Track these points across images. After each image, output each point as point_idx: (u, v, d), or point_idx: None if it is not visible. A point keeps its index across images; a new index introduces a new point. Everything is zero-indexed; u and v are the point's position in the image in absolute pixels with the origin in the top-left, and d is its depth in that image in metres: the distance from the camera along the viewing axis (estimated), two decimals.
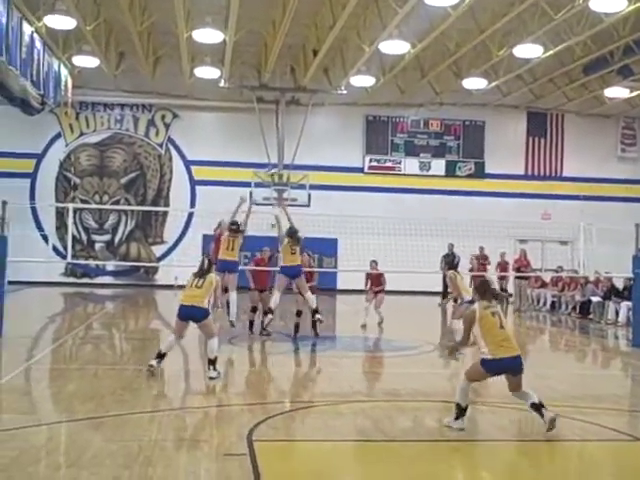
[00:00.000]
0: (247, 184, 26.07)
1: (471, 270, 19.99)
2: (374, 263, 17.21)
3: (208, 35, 20.62)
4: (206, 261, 10.13)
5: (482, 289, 7.80)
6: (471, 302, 11.33)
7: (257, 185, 26.10)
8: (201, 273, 10.00)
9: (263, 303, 14.48)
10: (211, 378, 9.71)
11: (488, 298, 7.67)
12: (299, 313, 14.37)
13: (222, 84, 25.99)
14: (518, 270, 22.51)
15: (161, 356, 9.98)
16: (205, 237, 24.99)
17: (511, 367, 7.48)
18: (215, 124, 28.44)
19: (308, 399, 8.43)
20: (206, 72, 24.91)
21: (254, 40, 23.63)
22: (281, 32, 20.48)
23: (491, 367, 7.45)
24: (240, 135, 27.54)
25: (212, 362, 9.79)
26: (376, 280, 17.12)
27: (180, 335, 10.12)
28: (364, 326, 16.39)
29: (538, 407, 7.51)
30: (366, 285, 17.39)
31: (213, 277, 10.06)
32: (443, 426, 7.58)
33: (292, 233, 13.75)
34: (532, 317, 21.68)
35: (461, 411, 7.55)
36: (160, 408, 8.29)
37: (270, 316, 13.56)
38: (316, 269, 15.98)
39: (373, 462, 6.71)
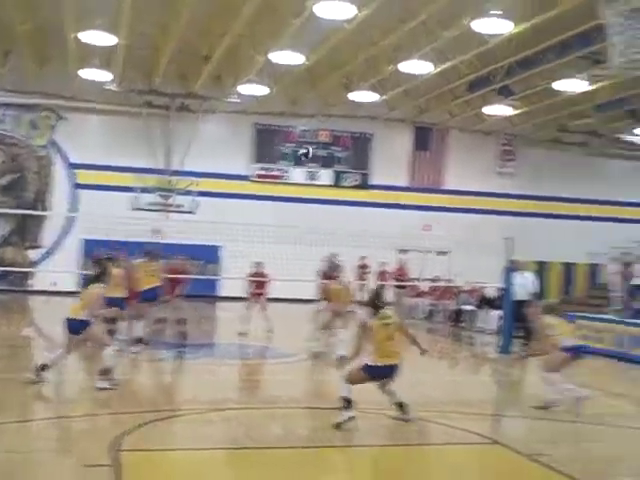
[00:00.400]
0: (132, 189, 25.73)
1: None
2: (258, 265, 16.96)
3: (98, 37, 20.16)
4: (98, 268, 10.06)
5: (372, 302, 8.39)
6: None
7: (142, 190, 25.71)
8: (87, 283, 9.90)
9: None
10: (99, 389, 9.38)
11: (379, 308, 8.29)
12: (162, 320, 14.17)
13: (111, 87, 25.48)
14: (397, 280, 23.11)
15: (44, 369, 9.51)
16: (87, 242, 24.48)
17: (389, 374, 8.21)
18: (102, 127, 27.77)
19: (179, 407, 8.42)
20: (94, 74, 24.33)
21: (145, 44, 23.28)
22: (173, 37, 20.31)
23: (372, 372, 8.09)
24: (128, 139, 27.03)
25: (104, 372, 9.49)
26: (261, 283, 17.00)
27: (68, 350, 9.69)
28: (244, 333, 16.00)
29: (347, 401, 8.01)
30: (251, 289, 16.99)
31: (96, 287, 9.73)
32: (315, 432, 7.74)
33: (148, 251, 13.26)
34: (409, 325, 22.20)
35: (348, 402, 7.98)
36: (27, 418, 8.10)
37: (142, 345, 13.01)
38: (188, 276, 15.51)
39: (243, 469, 6.78)
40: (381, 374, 8.22)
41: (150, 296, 13.11)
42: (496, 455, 7.72)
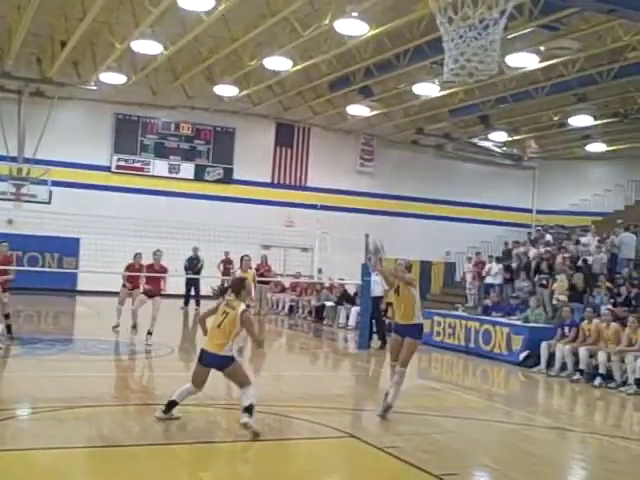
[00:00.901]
0: None
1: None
2: (137, 257, 16.11)
3: None
4: None
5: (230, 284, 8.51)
6: None
7: None
8: None
9: None
10: None
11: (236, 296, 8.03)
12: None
13: None
14: (261, 275, 23.16)
15: None
16: None
17: (205, 360, 7.84)
18: None
19: (26, 406, 8.07)
20: None
21: None
22: (26, 18, 19.39)
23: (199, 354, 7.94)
24: None
25: None
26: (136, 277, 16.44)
27: None
28: (117, 327, 15.61)
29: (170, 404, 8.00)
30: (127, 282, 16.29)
31: None
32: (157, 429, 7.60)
33: None
34: (271, 320, 22.44)
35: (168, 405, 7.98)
36: None
37: None
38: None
39: (96, 469, 6.61)
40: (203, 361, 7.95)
41: None
42: (350, 448, 7.93)
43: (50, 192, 24.45)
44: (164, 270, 15.41)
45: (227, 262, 23.87)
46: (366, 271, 15.96)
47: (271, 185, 30.44)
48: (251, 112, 29.04)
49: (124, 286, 16.20)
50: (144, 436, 7.52)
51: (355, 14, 17.91)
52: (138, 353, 13.80)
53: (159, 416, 7.98)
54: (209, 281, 23.52)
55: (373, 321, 16.49)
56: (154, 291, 14.74)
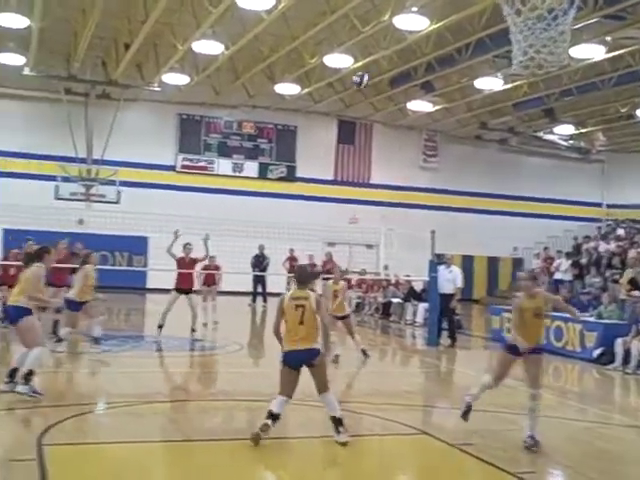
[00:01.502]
0: (53, 178, 25.02)
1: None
2: (211, 258, 16.50)
3: (12, 19, 19.47)
4: (37, 249, 8.81)
5: (296, 275, 7.74)
6: None
7: (64, 179, 25.06)
8: (25, 264, 8.63)
9: None
10: (18, 393, 8.15)
11: (298, 287, 7.50)
12: None
13: (26, 72, 24.66)
14: (326, 272, 23.14)
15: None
16: (6, 231, 23.71)
17: (297, 361, 7.35)
18: (20, 113, 26.84)
19: (105, 400, 8.20)
20: (10, 58, 23.51)
21: (63, 28, 22.63)
22: (91, 22, 19.78)
23: (283, 359, 7.35)
24: (47, 126, 26.26)
25: (26, 375, 8.18)
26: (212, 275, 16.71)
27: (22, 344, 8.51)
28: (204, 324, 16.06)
29: (337, 422, 7.33)
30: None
31: (34, 267, 8.47)
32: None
33: None
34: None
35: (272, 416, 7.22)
36: None
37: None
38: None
39: (172, 463, 6.66)
40: (290, 361, 7.42)
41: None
42: (424, 445, 7.82)
43: (118, 192, 24.95)
44: (194, 263, 15.23)
45: (292, 259, 23.95)
46: (433, 267, 15.78)
47: (334, 182, 30.42)
48: (312, 110, 29.08)
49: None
50: (219, 431, 7.56)
51: (415, 9, 17.77)
52: (208, 349, 13.92)
53: (256, 434, 7.09)
54: (275, 279, 23.62)
55: (442, 318, 16.27)
56: (186, 287, 14.56)
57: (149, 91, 26.31)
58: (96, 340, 12.30)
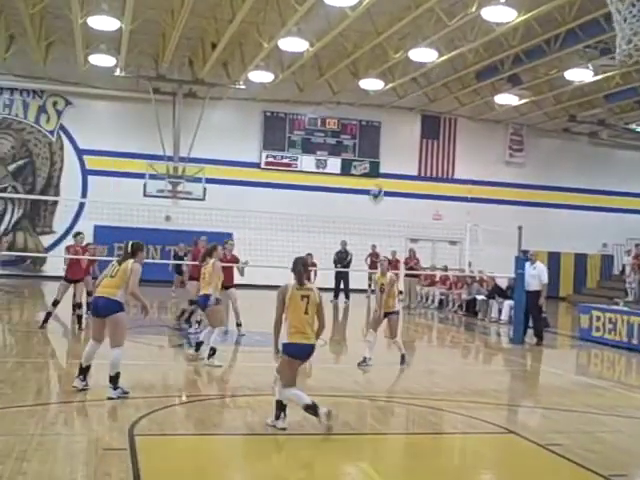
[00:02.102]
0: (142, 176, 25.68)
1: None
2: (308, 256, 16.60)
3: (104, 22, 20.07)
4: (130, 245, 8.75)
5: (294, 268, 7.56)
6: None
7: (152, 177, 25.70)
8: (121, 259, 8.68)
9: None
10: (109, 398, 8.23)
11: (299, 279, 7.46)
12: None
13: (117, 73, 25.41)
14: (410, 268, 23.06)
15: (83, 371, 8.59)
16: (97, 228, 24.47)
17: (303, 353, 7.40)
18: (110, 113, 27.75)
19: (193, 393, 8.38)
20: (101, 60, 24.25)
21: (152, 29, 23.23)
22: (179, 23, 20.20)
23: (288, 351, 7.32)
24: (135, 125, 27.02)
25: (113, 379, 8.30)
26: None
27: (96, 337, 8.59)
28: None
29: (312, 407, 7.29)
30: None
31: (130, 263, 8.53)
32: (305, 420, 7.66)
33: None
34: (421, 314, 22.26)
35: (312, 410, 7.27)
36: (40, 402, 8.06)
37: None
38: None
39: (258, 456, 6.75)
40: (294, 352, 7.38)
41: None
42: (512, 444, 7.69)
43: (204, 189, 25.42)
44: (235, 260, 15.15)
45: (374, 256, 23.88)
46: (521, 264, 15.49)
47: (418, 178, 30.19)
48: (396, 105, 28.94)
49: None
50: (306, 425, 7.61)
51: (503, 0, 17.43)
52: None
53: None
54: (358, 275, 23.64)
55: (527, 316, 15.94)
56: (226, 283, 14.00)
57: (234, 89, 26.70)
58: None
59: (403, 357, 11.73)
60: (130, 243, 8.75)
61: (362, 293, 25.40)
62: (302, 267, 7.54)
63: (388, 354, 12.31)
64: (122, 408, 7.90)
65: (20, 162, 27.11)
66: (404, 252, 24.63)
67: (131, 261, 8.54)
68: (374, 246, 23.84)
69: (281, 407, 7.28)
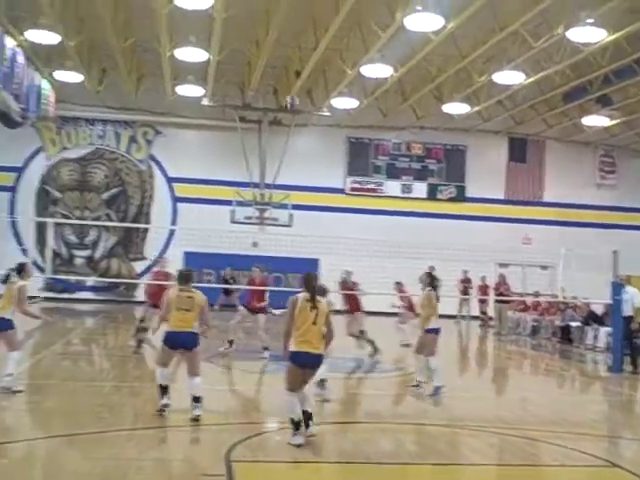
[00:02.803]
0: (229, 202, 26.10)
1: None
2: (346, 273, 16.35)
3: (191, 53, 20.62)
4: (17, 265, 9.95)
5: (307, 284, 7.81)
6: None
7: (239, 204, 26.10)
8: (187, 283, 8.91)
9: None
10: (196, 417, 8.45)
11: (312, 296, 7.67)
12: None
13: (205, 102, 26.01)
14: (500, 294, 22.57)
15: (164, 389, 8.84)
16: (187, 254, 24.97)
17: (312, 362, 7.61)
18: (197, 142, 28.43)
19: (286, 420, 8.32)
20: (189, 90, 24.93)
21: (238, 59, 23.70)
22: (264, 52, 20.56)
23: (297, 358, 7.54)
24: (222, 153, 27.56)
25: (198, 399, 8.55)
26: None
27: (165, 364, 8.82)
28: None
29: (295, 424, 7.51)
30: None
31: (199, 295, 8.86)
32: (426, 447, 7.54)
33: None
34: (512, 341, 21.71)
35: (295, 425, 7.48)
36: (138, 426, 8.19)
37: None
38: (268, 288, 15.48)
39: None
40: (301, 361, 7.61)
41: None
42: (616, 479, 7.35)
43: (290, 215, 25.64)
44: (263, 284, 14.96)
45: (466, 281, 23.57)
46: (617, 289, 14.96)
47: (505, 202, 29.73)
48: (482, 128, 28.64)
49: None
50: (396, 454, 7.50)
51: (590, 20, 17.01)
52: (387, 371, 13.86)
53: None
54: (446, 300, 23.24)
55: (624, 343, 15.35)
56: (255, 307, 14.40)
57: (319, 116, 26.95)
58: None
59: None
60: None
61: (451, 319, 25.06)
62: (315, 283, 7.85)
63: (475, 381, 12.06)
64: (217, 433, 7.95)
65: (113, 191, 28.03)
66: (493, 277, 24.20)
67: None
68: (465, 271, 23.49)
69: (297, 422, 7.45)
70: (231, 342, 14.45)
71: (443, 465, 7.34)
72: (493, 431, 8.91)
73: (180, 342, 8.66)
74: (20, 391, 9.62)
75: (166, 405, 8.67)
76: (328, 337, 7.82)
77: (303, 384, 7.68)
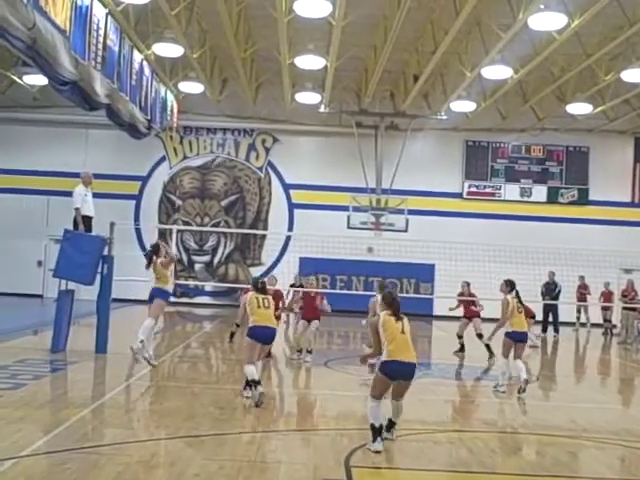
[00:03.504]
0: (345, 208, 26.24)
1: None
2: (466, 285, 16.60)
3: (310, 61, 20.89)
4: (260, 282, 10.10)
5: (392, 302, 7.92)
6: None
7: (355, 209, 26.20)
8: (263, 292, 9.96)
9: None
10: (247, 397, 9.61)
11: (396, 312, 7.80)
12: None
13: (322, 109, 26.30)
14: (630, 301, 21.58)
15: (255, 384, 9.49)
16: (302, 260, 25.27)
17: (405, 371, 7.64)
18: (314, 148, 28.76)
19: (404, 426, 8.28)
20: (306, 97, 25.27)
21: (355, 66, 23.85)
22: (382, 58, 20.57)
23: (388, 368, 7.53)
24: (338, 159, 27.75)
25: (255, 383, 9.45)
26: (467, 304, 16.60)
27: (254, 359, 9.73)
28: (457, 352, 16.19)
29: (392, 425, 7.87)
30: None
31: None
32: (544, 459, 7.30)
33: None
34: (639, 350, 20.76)
35: (376, 432, 7.45)
36: (258, 429, 8.33)
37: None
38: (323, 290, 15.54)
39: None
40: (397, 371, 7.67)
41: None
42: None
43: (407, 220, 25.53)
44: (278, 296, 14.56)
45: (583, 287, 22.78)
46: None
47: (631, 205, 28.52)
48: (606, 129, 27.62)
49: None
50: (522, 464, 7.30)
51: None
52: (492, 379, 13.58)
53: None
54: (566, 307, 22.58)
55: None
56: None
57: (436, 120, 26.73)
58: None
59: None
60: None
61: (571, 326, 24.28)
62: (398, 301, 7.98)
63: (598, 392, 11.59)
64: (337, 438, 7.97)
65: (232, 198, 28.74)
66: (617, 283, 23.24)
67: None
68: (582, 277, 22.70)
69: (378, 429, 7.47)
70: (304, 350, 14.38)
71: (567, 477, 7.09)
72: (620, 444, 8.54)
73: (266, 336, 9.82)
74: (154, 365, 11.92)
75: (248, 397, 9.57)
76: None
77: (398, 394, 7.85)
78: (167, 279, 12.66)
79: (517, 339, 11.40)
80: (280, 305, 14.49)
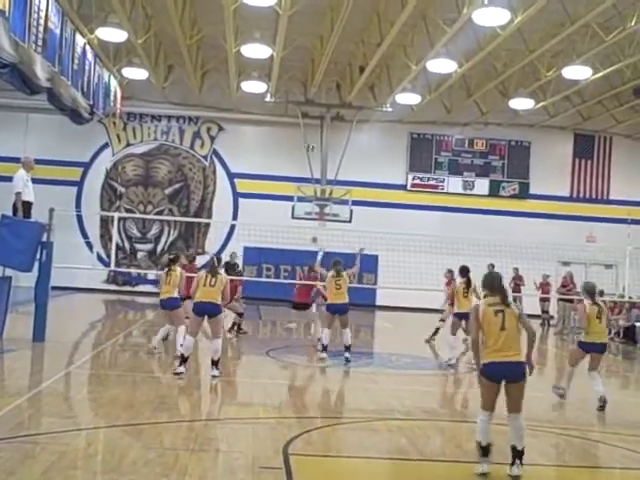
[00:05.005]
0: (290, 198, 26.23)
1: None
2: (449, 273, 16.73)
3: (256, 50, 20.77)
4: (215, 260, 11.06)
5: (492, 285, 6.92)
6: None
7: (300, 200, 26.21)
8: (213, 272, 10.83)
9: None
10: (214, 376, 10.43)
11: (495, 294, 6.84)
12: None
13: (268, 99, 26.20)
14: (568, 292, 22.07)
15: (185, 360, 10.59)
16: (246, 249, 25.18)
17: (500, 373, 6.65)
18: (260, 138, 28.65)
19: (344, 415, 8.36)
20: (252, 86, 25.12)
21: (301, 56, 23.80)
22: (328, 48, 20.58)
23: (484, 371, 6.70)
24: (284, 149, 27.73)
25: (216, 363, 10.54)
26: None
27: (195, 333, 10.78)
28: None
29: (517, 454, 6.64)
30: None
31: (223, 276, 10.97)
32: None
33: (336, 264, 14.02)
34: (575, 341, 21.24)
35: (481, 451, 6.70)
36: (197, 418, 8.31)
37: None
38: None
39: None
40: (494, 374, 6.67)
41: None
42: None
43: (351, 211, 25.63)
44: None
45: (517, 278, 23.22)
46: None
47: (570, 199, 29.18)
48: (547, 124, 28.17)
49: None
50: (459, 452, 7.43)
51: None
52: (435, 369, 13.79)
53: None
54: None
55: None
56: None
57: (381, 112, 26.87)
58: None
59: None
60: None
61: None
62: (502, 285, 6.95)
63: (534, 381, 11.85)
64: (275, 427, 7.99)
65: (176, 186, 28.47)
66: (555, 275, 23.76)
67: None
68: (516, 269, 23.19)
69: (484, 449, 6.67)
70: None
71: (502, 464, 7.23)
72: (553, 432, 8.75)
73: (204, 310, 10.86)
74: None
75: (178, 373, 10.45)
76: (529, 342, 6.95)
77: (495, 399, 6.71)
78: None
79: (462, 318, 13.30)
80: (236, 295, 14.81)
